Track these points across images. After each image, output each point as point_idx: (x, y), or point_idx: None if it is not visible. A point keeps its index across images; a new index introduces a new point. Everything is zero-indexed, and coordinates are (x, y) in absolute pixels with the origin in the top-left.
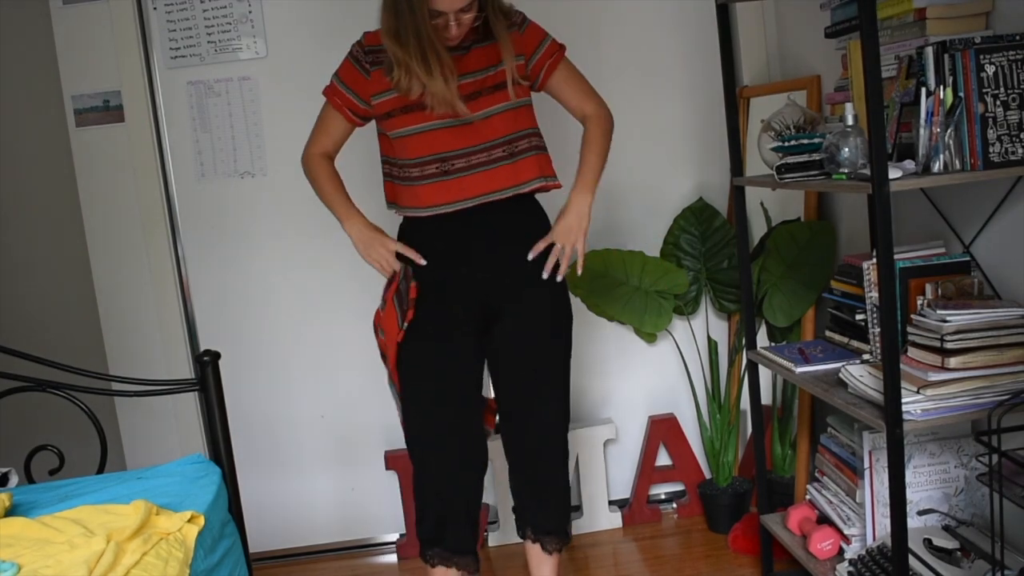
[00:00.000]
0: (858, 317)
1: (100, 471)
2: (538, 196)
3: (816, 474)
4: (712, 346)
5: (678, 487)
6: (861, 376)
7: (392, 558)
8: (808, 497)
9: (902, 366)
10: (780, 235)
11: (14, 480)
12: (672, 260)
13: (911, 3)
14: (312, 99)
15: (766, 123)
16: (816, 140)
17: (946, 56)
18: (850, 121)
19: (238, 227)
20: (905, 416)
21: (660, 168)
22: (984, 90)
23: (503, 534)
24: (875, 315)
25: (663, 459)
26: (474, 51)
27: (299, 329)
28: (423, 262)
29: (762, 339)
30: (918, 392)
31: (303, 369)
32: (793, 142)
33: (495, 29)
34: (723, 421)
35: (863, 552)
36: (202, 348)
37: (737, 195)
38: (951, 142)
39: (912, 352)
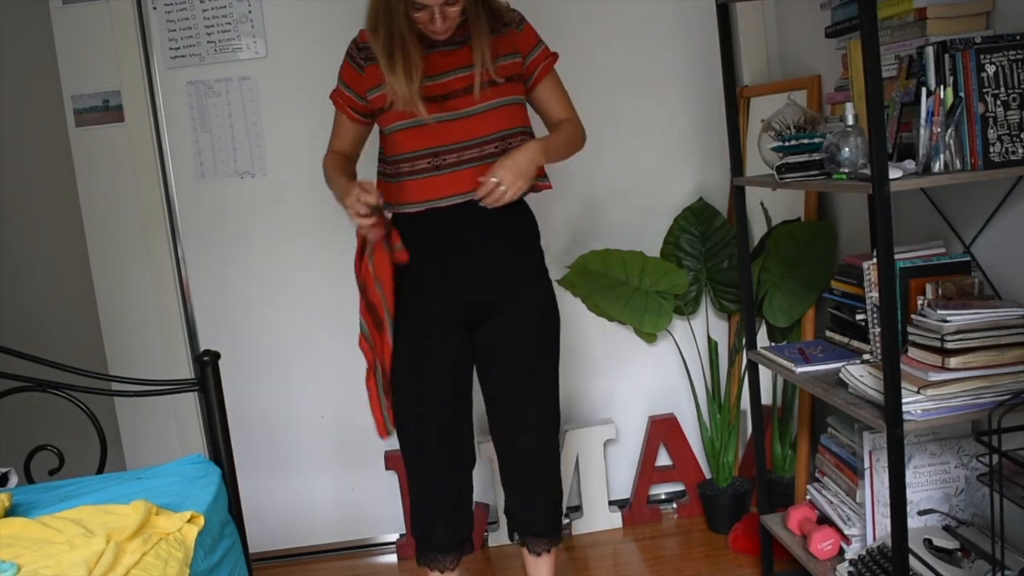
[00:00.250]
0: (858, 317)
1: (100, 471)
2: (529, 199)
3: (816, 474)
4: (712, 346)
5: (678, 487)
6: (861, 376)
7: (392, 558)
8: (808, 497)
9: (902, 366)
10: (780, 235)
11: (14, 480)
12: (672, 260)
13: (911, 3)
14: (312, 99)
15: (766, 123)
16: (816, 140)
17: (946, 56)
18: (850, 121)
19: (238, 227)
20: (905, 416)
21: (660, 168)
22: (984, 90)
23: (503, 534)
24: (875, 315)
25: (663, 459)
26: (469, 46)
27: (299, 329)
28: (380, 202)
29: (762, 339)
30: (918, 392)
31: (303, 369)
32: (793, 142)
33: (472, 26)
34: (723, 421)
35: (863, 552)
36: (202, 348)
37: (737, 195)
38: (951, 142)
39: (912, 352)
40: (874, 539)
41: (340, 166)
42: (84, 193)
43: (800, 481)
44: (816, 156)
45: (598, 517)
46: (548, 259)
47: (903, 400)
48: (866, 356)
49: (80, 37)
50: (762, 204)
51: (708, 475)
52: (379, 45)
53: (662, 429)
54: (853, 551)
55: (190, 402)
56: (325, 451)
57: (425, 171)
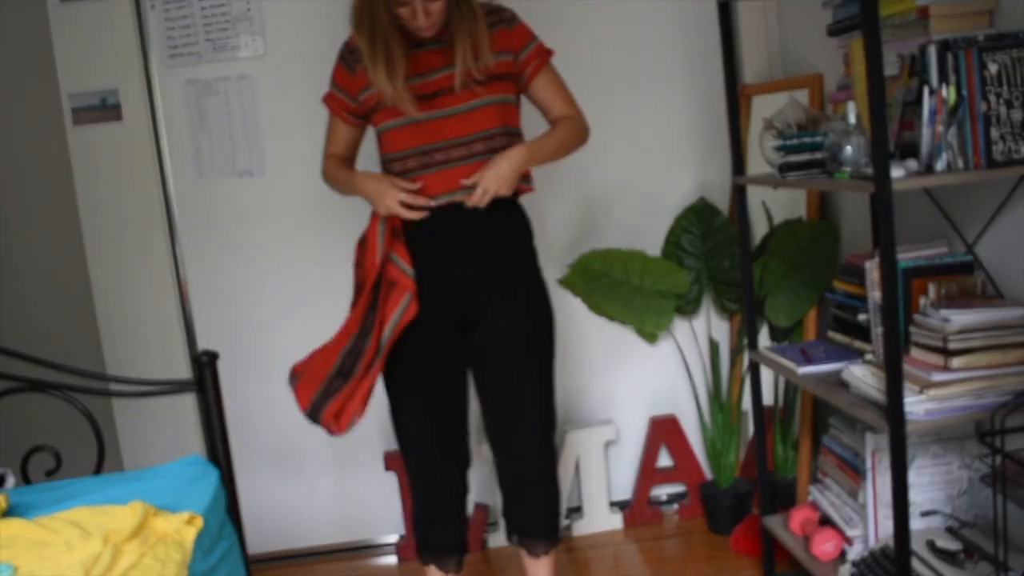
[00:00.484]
0: (860, 317)
1: (97, 472)
2: (526, 199)
3: (818, 475)
4: (713, 346)
5: (679, 488)
6: (863, 376)
7: (392, 559)
8: (810, 498)
9: (905, 366)
10: (782, 235)
11: (11, 481)
12: (673, 260)
13: (914, 1)
14: (311, 98)
15: (768, 122)
16: (818, 139)
17: (949, 54)
18: (852, 120)
19: (236, 226)
20: (908, 417)
21: (661, 167)
22: (987, 89)
23: (503, 535)
24: (878, 315)
25: (664, 460)
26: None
27: (298, 329)
28: (432, 203)
29: (764, 339)
30: (921, 392)
31: None
32: (795, 141)
33: (455, 24)
34: (724, 422)
35: (865, 554)
36: (200, 348)
37: (739, 194)
38: (954, 141)
39: (915, 352)
40: (876, 540)
41: (339, 164)
42: (82, 192)
43: (802, 482)
44: (818, 155)
45: (599, 518)
46: (549, 259)
47: (905, 400)
48: (868, 356)
49: (78, 35)
50: (764, 203)
51: (709, 476)
52: (363, 41)
53: (663, 430)
54: (855, 552)
55: (188, 403)
56: (324, 452)
57: (415, 169)
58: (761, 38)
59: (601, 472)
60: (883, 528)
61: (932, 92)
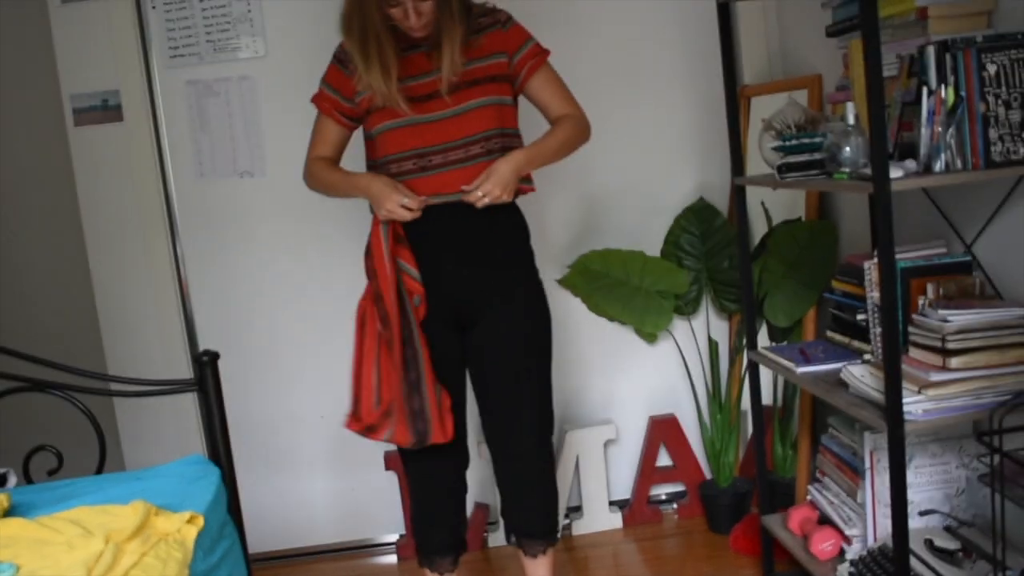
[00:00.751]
0: (859, 317)
1: (99, 472)
2: (523, 199)
3: (817, 475)
4: (713, 346)
5: (679, 488)
6: (862, 376)
7: (392, 559)
8: (809, 498)
9: (903, 366)
10: (781, 235)
11: (12, 480)
12: (673, 260)
13: (913, 2)
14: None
15: (767, 122)
16: (817, 139)
17: (948, 55)
18: (851, 120)
19: (237, 227)
20: (906, 416)
21: (660, 168)
22: (986, 89)
23: (502, 535)
24: (876, 315)
25: (663, 459)
26: None
27: (299, 328)
28: (431, 200)
29: (763, 339)
30: (919, 392)
31: (303, 369)
32: (794, 141)
33: (443, 25)
34: (724, 421)
35: (864, 553)
36: (201, 348)
37: (738, 195)
38: (952, 141)
39: (913, 352)
40: (875, 540)
41: (326, 166)
42: (83, 193)
43: (801, 481)
44: (817, 156)
45: (598, 517)
46: (549, 259)
47: (904, 400)
48: (867, 356)
49: (79, 36)
50: (763, 204)
51: (708, 475)
52: (354, 43)
53: (662, 429)
54: (854, 552)
55: (189, 402)
56: (325, 451)
57: (412, 172)
58: (760, 38)
59: (600, 471)
60: (882, 527)
61: (931, 93)
